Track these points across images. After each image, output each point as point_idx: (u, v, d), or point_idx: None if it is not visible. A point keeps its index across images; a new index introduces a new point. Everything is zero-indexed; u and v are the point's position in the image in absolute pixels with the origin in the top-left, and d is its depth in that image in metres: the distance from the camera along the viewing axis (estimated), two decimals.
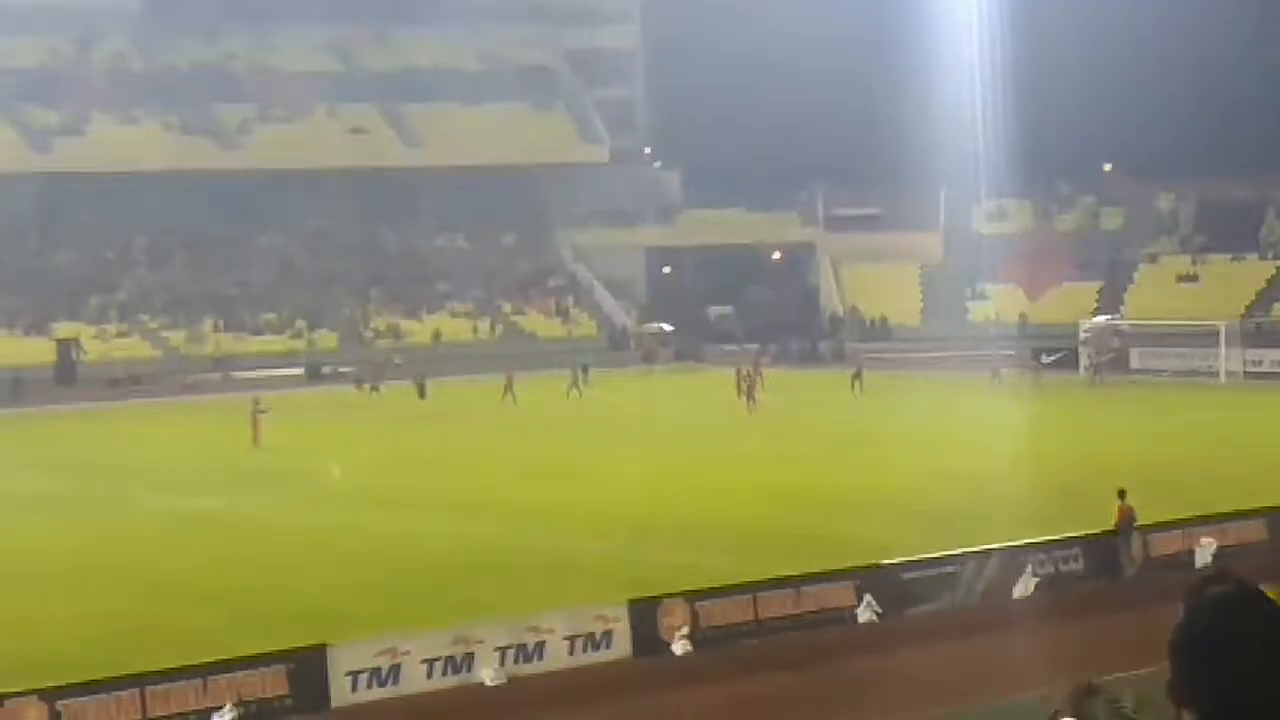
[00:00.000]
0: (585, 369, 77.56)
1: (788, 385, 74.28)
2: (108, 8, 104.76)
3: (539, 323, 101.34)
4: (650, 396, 73.77)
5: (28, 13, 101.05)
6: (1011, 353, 78.80)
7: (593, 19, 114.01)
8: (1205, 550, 33.38)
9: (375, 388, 77.60)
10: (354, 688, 24.98)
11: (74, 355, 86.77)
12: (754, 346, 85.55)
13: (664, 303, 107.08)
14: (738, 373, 67.44)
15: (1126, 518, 32.53)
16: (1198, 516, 34.45)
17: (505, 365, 73.50)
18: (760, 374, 68.24)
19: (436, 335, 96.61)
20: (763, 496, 42.65)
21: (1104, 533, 32.69)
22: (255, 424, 56.91)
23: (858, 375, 70.00)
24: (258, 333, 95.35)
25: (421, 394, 73.37)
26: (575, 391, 73.72)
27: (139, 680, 23.75)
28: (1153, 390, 70.59)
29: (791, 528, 37.49)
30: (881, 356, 79.90)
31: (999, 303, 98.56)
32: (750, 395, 65.39)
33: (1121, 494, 32.76)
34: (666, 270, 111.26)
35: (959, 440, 53.96)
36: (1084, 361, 78.30)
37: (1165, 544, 33.34)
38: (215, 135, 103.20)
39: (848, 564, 30.11)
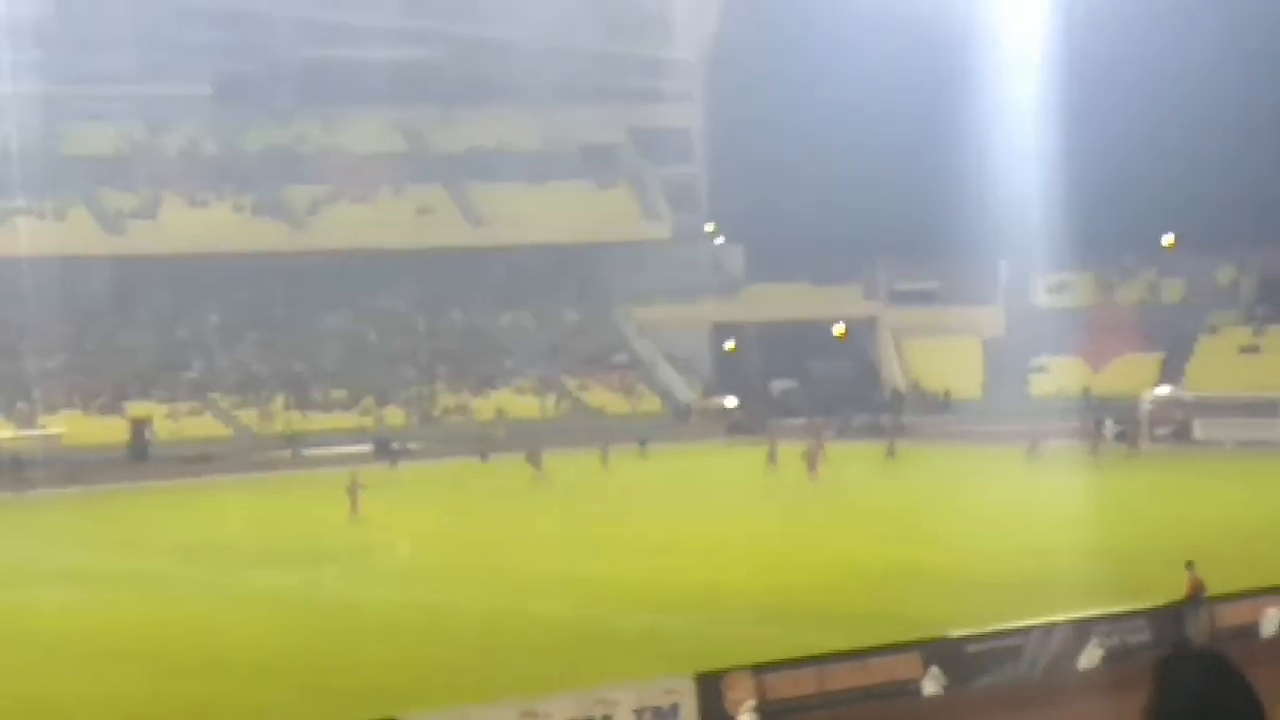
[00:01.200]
0: (644, 444, 79.10)
1: (850, 459, 74.39)
2: (181, 94, 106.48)
3: (603, 398, 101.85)
4: (714, 470, 73.94)
5: (103, 100, 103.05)
6: (1075, 424, 78.68)
7: (654, 97, 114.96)
8: (1271, 620, 33.39)
9: (484, 456, 78.93)
10: None
11: (147, 434, 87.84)
12: (818, 419, 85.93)
13: (727, 377, 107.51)
14: (807, 446, 67.96)
15: (1195, 588, 32.57)
16: (1264, 587, 34.42)
17: (570, 439, 74.01)
18: (822, 446, 68.61)
19: (499, 412, 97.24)
20: (828, 570, 42.82)
21: (1170, 604, 32.73)
22: (354, 497, 57.63)
23: (891, 448, 70.64)
24: (327, 410, 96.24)
25: (536, 465, 73.55)
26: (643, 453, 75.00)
27: None
28: (1216, 461, 70.36)
29: (856, 601, 37.68)
30: (943, 429, 79.75)
31: (1060, 375, 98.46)
32: (813, 467, 65.85)
33: (1190, 565, 32.82)
34: (729, 345, 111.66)
35: (1023, 513, 53.98)
36: (1112, 430, 78.36)
37: (1232, 614, 33.34)
38: (285, 216, 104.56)
39: (913, 637, 30.27)
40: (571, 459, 79.43)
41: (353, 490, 57.85)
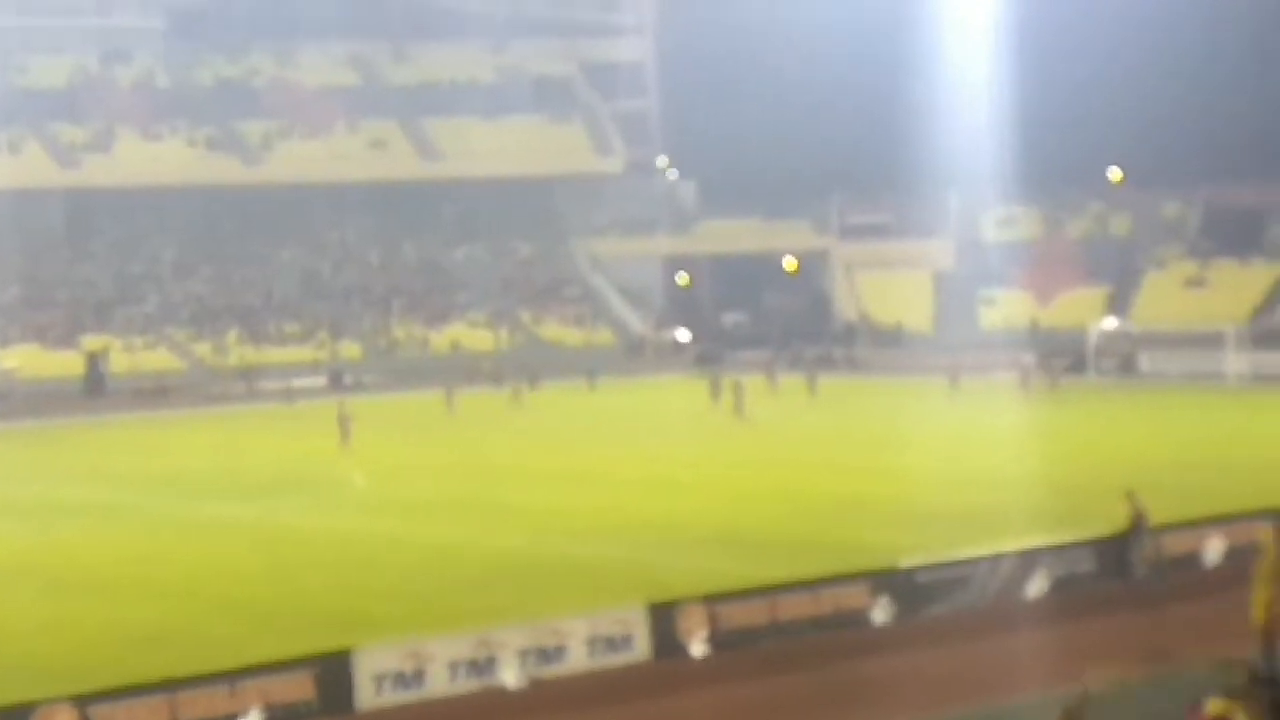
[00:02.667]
0: (593, 377, 79.99)
1: (801, 392, 74.86)
2: (134, 27, 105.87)
3: (557, 331, 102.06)
4: (665, 403, 74.29)
5: (55, 33, 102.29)
6: (1025, 358, 79.22)
7: (608, 31, 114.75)
8: (1214, 549, 33.89)
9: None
10: (379, 691, 25.50)
11: (102, 367, 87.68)
12: (770, 353, 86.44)
13: (679, 310, 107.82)
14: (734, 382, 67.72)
15: (1137, 517, 32.99)
16: (1208, 517, 34.90)
17: (522, 373, 74.13)
18: (738, 384, 68.79)
19: (455, 345, 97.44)
20: (777, 501, 43.26)
21: (1115, 534, 33.19)
22: (345, 427, 57.62)
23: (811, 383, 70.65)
24: (281, 343, 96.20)
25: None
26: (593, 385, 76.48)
27: (168, 686, 24.21)
28: (1161, 393, 71.04)
29: (806, 532, 38.11)
30: (893, 361, 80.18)
31: (1009, 308, 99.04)
32: (739, 404, 65.64)
33: (1130, 494, 33.21)
34: (682, 278, 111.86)
35: (971, 444, 54.55)
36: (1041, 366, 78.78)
37: (1175, 544, 33.80)
38: (238, 150, 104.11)
39: (863, 567, 30.68)
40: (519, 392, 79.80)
41: (343, 420, 57.84)
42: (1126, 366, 78.89)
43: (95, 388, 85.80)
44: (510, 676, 26.29)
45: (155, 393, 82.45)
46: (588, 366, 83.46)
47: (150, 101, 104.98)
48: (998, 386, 70.03)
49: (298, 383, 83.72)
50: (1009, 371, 74.67)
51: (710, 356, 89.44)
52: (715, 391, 67.19)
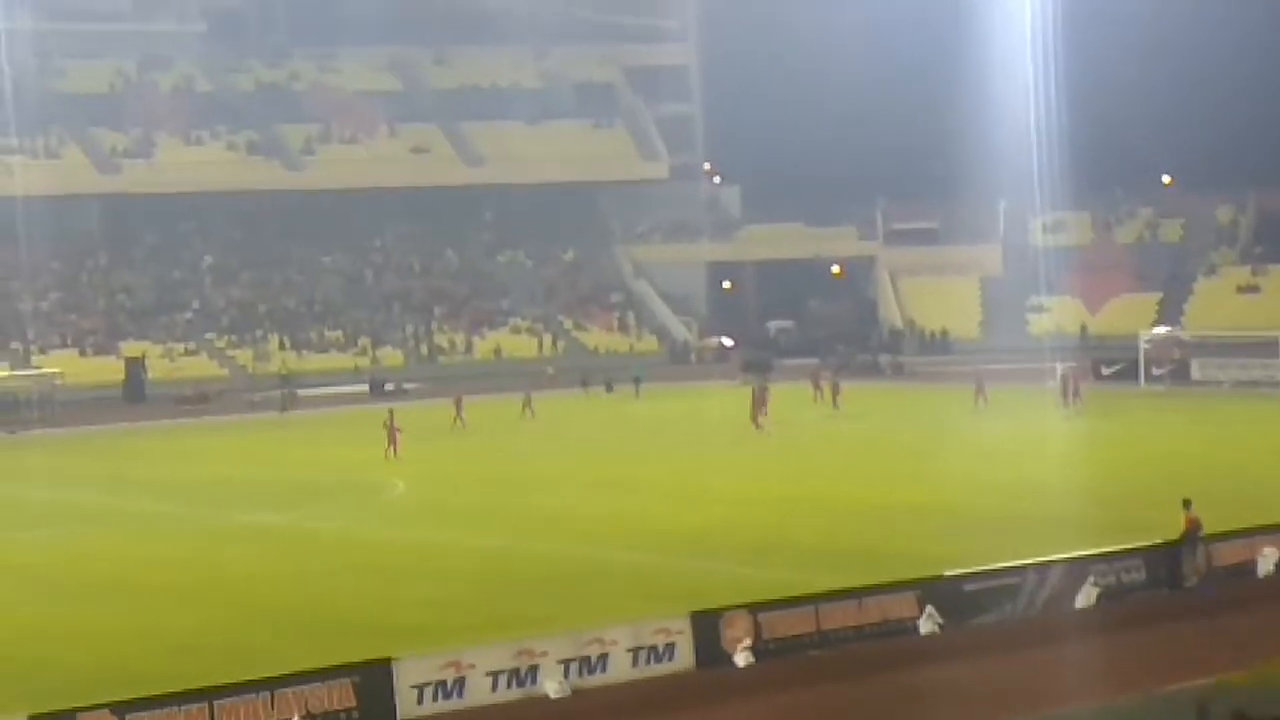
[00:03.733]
0: (638, 381, 79.69)
1: (848, 399, 74.36)
2: (173, 31, 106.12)
3: (600, 338, 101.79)
4: (710, 410, 73.88)
5: (94, 37, 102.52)
6: (1073, 364, 78.54)
7: (651, 36, 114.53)
8: (1268, 560, 33.35)
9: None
10: (420, 700, 25.22)
11: (142, 374, 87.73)
12: (819, 360, 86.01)
13: (724, 317, 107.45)
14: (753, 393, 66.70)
15: (1192, 527, 32.49)
16: (1261, 526, 34.36)
17: (570, 381, 73.89)
18: (764, 393, 68.02)
19: (497, 351, 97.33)
20: (824, 509, 42.82)
21: (1166, 543, 32.67)
22: (392, 435, 57.03)
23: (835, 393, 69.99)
24: (323, 350, 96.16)
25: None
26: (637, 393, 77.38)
27: (207, 694, 24.01)
28: (1214, 401, 70.33)
29: (854, 541, 37.68)
30: (941, 369, 79.60)
31: (1058, 314, 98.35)
32: (761, 412, 64.27)
33: (1187, 504, 32.73)
34: (726, 285, 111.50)
35: (1020, 452, 54.02)
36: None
37: (1227, 554, 33.29)
38: (279, 155, 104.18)
39: (909, 576, 30.24)
40: (568, 399, 79.65)
41: (390, 427, 57.47)
42: (1178, 374, 78.14)
43: (135, 395, 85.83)
44: (552, 686, 25.95)
45: (195, 399, 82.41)
46: (632, 373, 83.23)
47: (190, 106, 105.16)
48: (1046, 394, 69.18)
49: (339, 389, 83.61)
50: (1053, 379, 73.88)
51: (757, 364, 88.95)
52: (761, 400, 66.52)
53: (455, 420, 67.28)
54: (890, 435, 61.66)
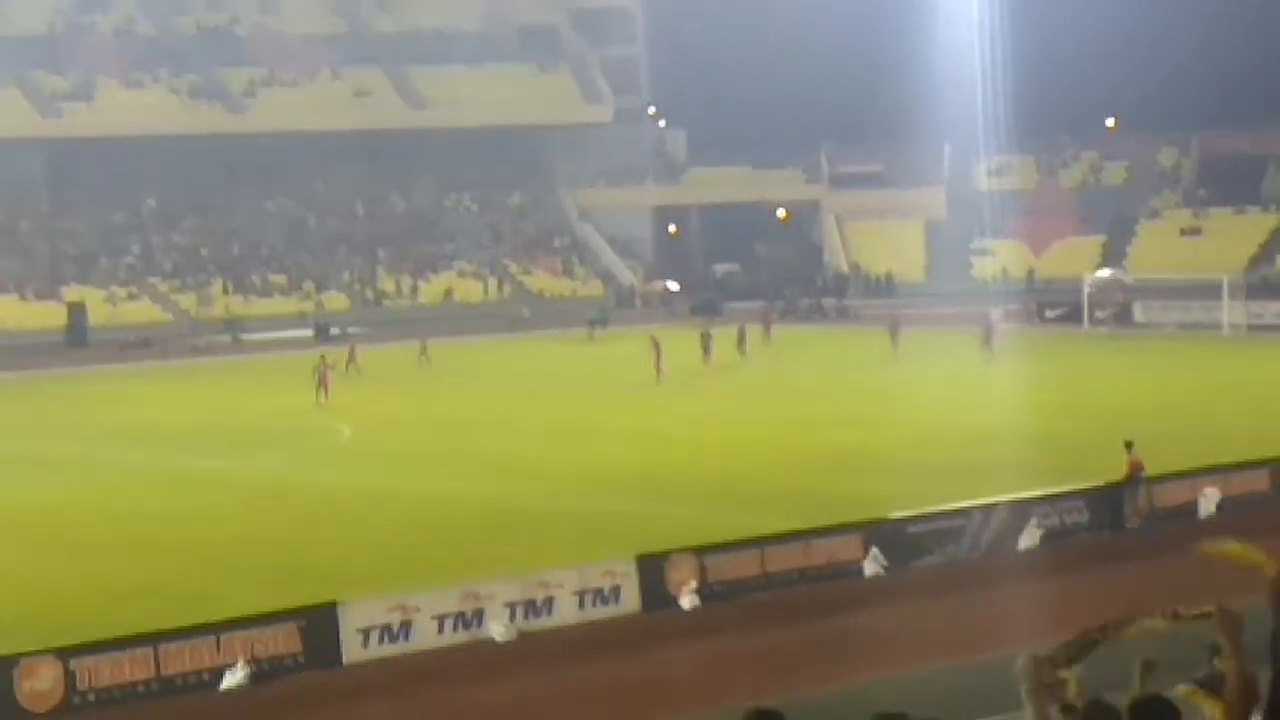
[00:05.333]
0: (599, 323, 79.96)
1: (792, 342, 74.53)
2: None
3: (546, 282, 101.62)
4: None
5: None
6: (1016, 307, 78.96)
7: None
8: (1209, 500, 33.62)
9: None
10: (365, 644, 25.24)
11: (84, 319, 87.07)
12: (764, 303, 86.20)
13: (670, 261, 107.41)
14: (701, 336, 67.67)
15: (1134, 469, 32.72)
16: (1202, 468, 34.62)
17: (513, 325, 73.64)
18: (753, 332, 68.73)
19: (448, 294, 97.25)
20: (768, 452, 42.93)
21: (1108, 485, 32.90)
22: (324, 380, 56.57)
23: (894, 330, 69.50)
24: (266, 295, 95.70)
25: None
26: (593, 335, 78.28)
27: (152, 639, 23.98)
28: (1156, 343, 70.77)
29: (797, 484, 37.79)
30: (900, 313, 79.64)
31: (1003, 258, 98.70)
32: (706, 353, 65.75)
33: (1129, 446, 32.95)
34: (672, 229, 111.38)
35: (964, 395, 54.23)
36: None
37: (1169, 495, 33.55)
38: (221, 99, 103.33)
39: (854, 519, 30.36)
40: (512, 343, 79.63)
41: (321, 372, 57.03)
42: (1122, 317, 78.59)
43: (77, 340, 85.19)
44: (498, 629, 25.99)
45: (138, 344, 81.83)
46: (581, 317, 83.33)
47: (131, 49, 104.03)
48: (996, 337, 69.40)
49: (283, 334, 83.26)
50: (998, 323, 74.08)
51: (705, 307, 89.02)
52: (706, 343, 66.75)
53: (422, 356, 68.03)
54: (844, 379, 61.75)
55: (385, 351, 73.15)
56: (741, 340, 68.39)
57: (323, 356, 59.26)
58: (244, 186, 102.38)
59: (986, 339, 66.23)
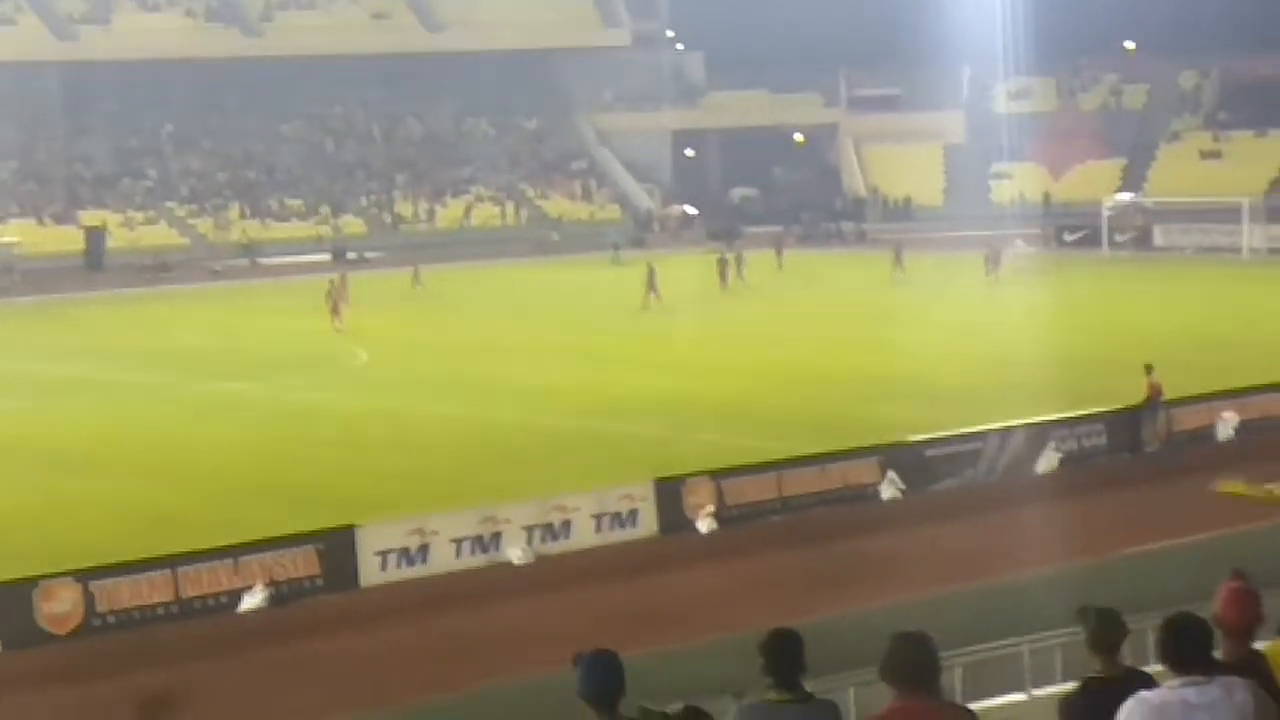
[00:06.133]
0: (620, 247, 79.77)
1: (811, 267, 74.34)
2: None
3: (563, 206, 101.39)
4: (674, 279, 73.90)
5: None
6: (1036, 230, 78.63)
7: None
8: (1227, 424, 33.58)
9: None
10: (383, 567, 25.34)
11: (102, 243, 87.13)
12: (780, 228, 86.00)
13: (687, 185, 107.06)
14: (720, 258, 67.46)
15: (1154, 392, 32.64)
16: (1220, 391, 34.55)
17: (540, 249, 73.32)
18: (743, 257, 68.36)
19: (467, 214, 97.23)
20: (786, 377, 42.87)
21: (1127, 408, 32.83)
22: (336, 305, 56.44)
23: (897, 258, 68.85)
24: (283, 219, 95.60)
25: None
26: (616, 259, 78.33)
27: (171, 561, 24.07)
28: (1176, 267, 70.52)
29: (815, 407, 37.76)
30: (905, 237, 79.40)
31: (1022, 181, 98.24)
32: (724, 279, 65.72)
33: (1148, 369, 32.86)
34: (690, 153, 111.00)
35: (982, 319, 54.12)
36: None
37: (1188, 418, 33.51)
38: (238, 22, 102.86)
39: (871, 442, 30.33)
40: (529, 268, 79.54)
41: (333, 297, 56.97)
42: (1141, 241, 78.29)
43: (95, 263, 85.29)
44: (515, 553, 26.05)
45: (156, 268, 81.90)
46: (600, 242, 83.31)
47: None
48: (1003, 261, 69.10)
49: (300, 258, 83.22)
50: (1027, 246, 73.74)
51: (722, 232, 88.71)
52: (724, 269, 66.54)
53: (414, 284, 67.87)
54: (862, 303, 61.55)
55: (401, 276, 73.04)
56: (739, 265, 67.69)
57: (331, 282, 59.16)
58: (261, 111, 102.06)
59: (993, 263, 65.97)
